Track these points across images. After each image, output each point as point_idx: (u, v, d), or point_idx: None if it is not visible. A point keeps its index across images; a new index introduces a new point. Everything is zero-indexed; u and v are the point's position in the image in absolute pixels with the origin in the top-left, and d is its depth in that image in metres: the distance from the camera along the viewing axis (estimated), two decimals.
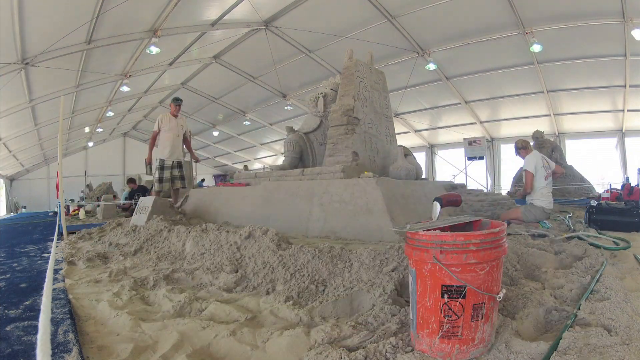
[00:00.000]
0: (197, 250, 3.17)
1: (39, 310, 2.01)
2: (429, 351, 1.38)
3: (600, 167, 14.01)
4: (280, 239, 2.81)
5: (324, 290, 2.20)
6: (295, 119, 16.52)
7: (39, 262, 3.56)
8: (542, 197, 4.44)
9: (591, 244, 2.98)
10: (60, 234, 5.70)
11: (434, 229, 1.48)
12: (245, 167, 23.22)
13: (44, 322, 1.28)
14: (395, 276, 2.13)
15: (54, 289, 2.44)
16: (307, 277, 2.30)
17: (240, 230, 3.04)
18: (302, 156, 6.12)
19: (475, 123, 15.41)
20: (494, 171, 16.71)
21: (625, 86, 11.32)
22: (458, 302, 1.33)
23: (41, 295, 2.30)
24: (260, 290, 2.33)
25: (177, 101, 6.40)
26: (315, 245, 2.72)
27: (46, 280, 1.96)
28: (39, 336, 1.20)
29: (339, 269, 2.34)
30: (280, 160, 13.92)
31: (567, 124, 14.41)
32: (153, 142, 6.46)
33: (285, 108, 15.93)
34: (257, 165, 25.34)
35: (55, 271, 2.95)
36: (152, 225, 4.21)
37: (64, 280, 2.67)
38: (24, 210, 20.16)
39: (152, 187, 7.15)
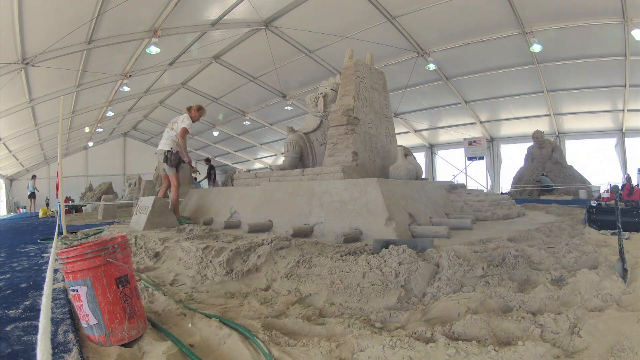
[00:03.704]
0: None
1: (39, 310, 2.01)
2: (126, 337, 1.60)
3: (600, 167, 14.02)
4: None
5: None
6: (295, 119, 16.52)
7: (39, 262, 3.56)
8: None
9: None
10: (60, 233, 5.71)
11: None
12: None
13: (44, 322, 1.27)
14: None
15: (53, 289, 2.44)
16: None
17: None
18: (302, 156, 6.12)
19: (475, 123, 15.42)
20: (494, 171, 16.72)
21: (625, 86, 11.33)
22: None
23: (41, 295, 2.30)
24: None
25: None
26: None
27: (46, 280, 1.96)
28: (39, 336, 1.19)
29: None
30: (280, 160, 13.92)
31: (567, 124, 14.42)
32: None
33: (285, 108, 15.94)
34: (257, 165, 25.36)
35: (55, 271, 2.95)
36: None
37: (64, 280, 2.68)
38: (23, 210, 20.16)
39: None
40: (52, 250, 3.43)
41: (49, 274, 1.98)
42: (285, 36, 10.99)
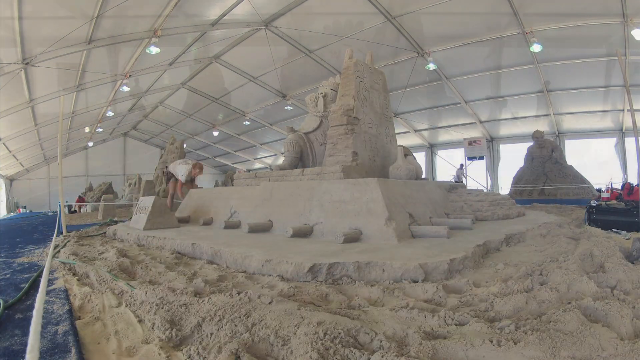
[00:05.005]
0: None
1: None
2: None
3: (600, 168, 14.04)
4: None
5: None
6: (295, 119, 16.52)
7: (39, 261, 3.56)
8: None
9: None
10: (61, 232, 5.73)
11: None
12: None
13: (35, 324, 1.26)
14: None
15: (54, 289, 2.44)
16: None
17: None
18: (302, 156, 6.12)
19: (475, 123, 15.43)
20: (493, 171, 16.73)
21: (625, 86, 11.32)
22: None
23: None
24: None
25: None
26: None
27: (42, 279, 1.96)
28: (30, 339, 1.18)
29: None
30: (280, 160, 13.94)
31: (566, 124, 14.43)
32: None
33: (285, 108, 15.94)
34: (257, 165, 25.36)
35: (51, 272, 2.95)
36: None
37: (64, 280, 2.68)
38: (23, 210, 20.17)
39: None
40: (50, 249, 3.43)
41: (43, 281, 1.97)
42: (285, 36, 10.99)
